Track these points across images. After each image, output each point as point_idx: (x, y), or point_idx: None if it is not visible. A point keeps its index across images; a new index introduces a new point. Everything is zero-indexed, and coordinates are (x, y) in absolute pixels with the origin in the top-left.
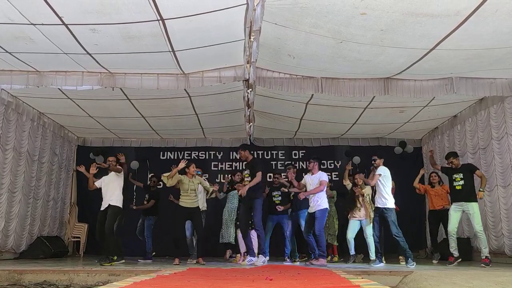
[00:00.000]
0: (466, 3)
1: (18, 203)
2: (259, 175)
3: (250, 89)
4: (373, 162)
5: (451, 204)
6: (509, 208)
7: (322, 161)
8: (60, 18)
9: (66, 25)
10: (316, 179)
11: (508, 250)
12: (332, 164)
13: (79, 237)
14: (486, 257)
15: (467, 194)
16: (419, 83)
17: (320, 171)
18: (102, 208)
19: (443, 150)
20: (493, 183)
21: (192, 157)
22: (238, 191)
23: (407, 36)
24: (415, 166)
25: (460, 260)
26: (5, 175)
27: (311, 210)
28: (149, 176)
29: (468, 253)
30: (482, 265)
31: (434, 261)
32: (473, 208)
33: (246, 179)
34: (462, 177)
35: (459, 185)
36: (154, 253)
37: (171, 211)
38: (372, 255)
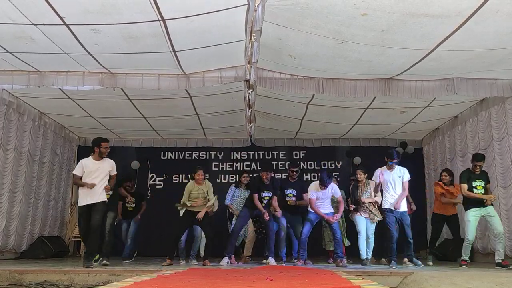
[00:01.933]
0: (467, 4)
1: (19, 203)
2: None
3: (251, 90)
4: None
5: (469, 209)
6: (509, 209)
7: (323, 162)
8: (61, 18)
9: (67, 25)
10: (329, 193)
11: (509, 251)
12: (333, 165)
13: (79, 237)
14: (503, 259)
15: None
16: (420, 84)
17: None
18: (92, 202)
19: (444, 151)
20: (493, 183)
21: (193, 158)
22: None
23: (408, 36)
24: (416, 167)
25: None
26: (6, 175)
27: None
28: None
29: (460, 253)
30: (510, 267)
31: (430, 263)
32: (493, 210)
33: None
34: (483, 185)
35: (479, 193)
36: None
37: (172, 212)
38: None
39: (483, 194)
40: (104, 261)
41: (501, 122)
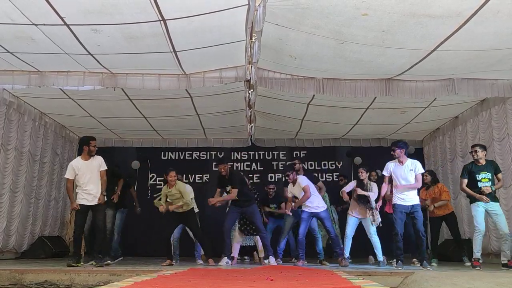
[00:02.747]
0: (467, 4)
1: (20, 203)
2: (234, 192)
3: (252, 90)
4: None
5: (473, 202)
6: (510, 210)
7: (323, 162)
8: (61, 18)
9: (67, 25)
10: (298, 185)
11: (510, 251)
12: (333, 165)
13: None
14: (510, 260)
15: (492, 194)
16: (421, 84)
17: (298, 176)
18: (89, 203)
19: (445, 151)
20: None
21: (193, 158)
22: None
23: (408, 37)
24: None
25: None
26: (7, 175)
27: (310, 210)
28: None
29: (471, 254)
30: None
31: (434, 265)
32: (500, 208)
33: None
34: (490, 177)
35: (486, 186)
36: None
37: (171, 212)
38: (380, 256)
39: (490, 186)
40: (108, 261)
41: (501, 122)
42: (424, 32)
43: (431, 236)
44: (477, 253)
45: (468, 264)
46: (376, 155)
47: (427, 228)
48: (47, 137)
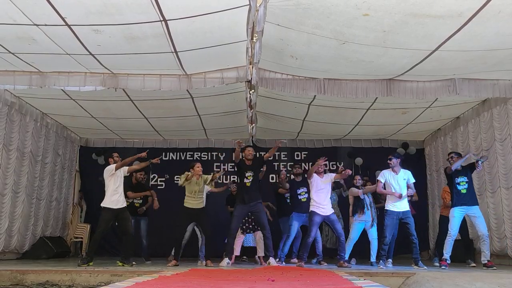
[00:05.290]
0: (469, 4)
1: (22, 204)
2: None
3: (253, 90)
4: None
5: (454, 206)
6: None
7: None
8: (63, 19)
9: (69, 26)
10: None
11: (511, 252)
12: (335, 166)
13: (81, 238)
14: (489, 260)
15: (472, 197)
16: (422, 84)
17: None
18: (120, 206)
19: (446, 152)
20: (496, 184)
21: (195, 158)
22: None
23: (410, 37)
24: (418, 168)
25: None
26: (9, 176)
27: (322, 212)
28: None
29: (471, 255)
30: (494, 268)
31: (437, 264)
32: (479, 211)
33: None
34: (466, 180)
35: (464, 188)
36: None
37: (173, 212)
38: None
39: (468, 188)
40: (133, 262)
41: (503, 122)
42: (425, 33)
43: (439, 235)
44: (446, 254)
45: (474, 265)
46: (377, 156)
47: (435, 228)
48: (49, 138)
